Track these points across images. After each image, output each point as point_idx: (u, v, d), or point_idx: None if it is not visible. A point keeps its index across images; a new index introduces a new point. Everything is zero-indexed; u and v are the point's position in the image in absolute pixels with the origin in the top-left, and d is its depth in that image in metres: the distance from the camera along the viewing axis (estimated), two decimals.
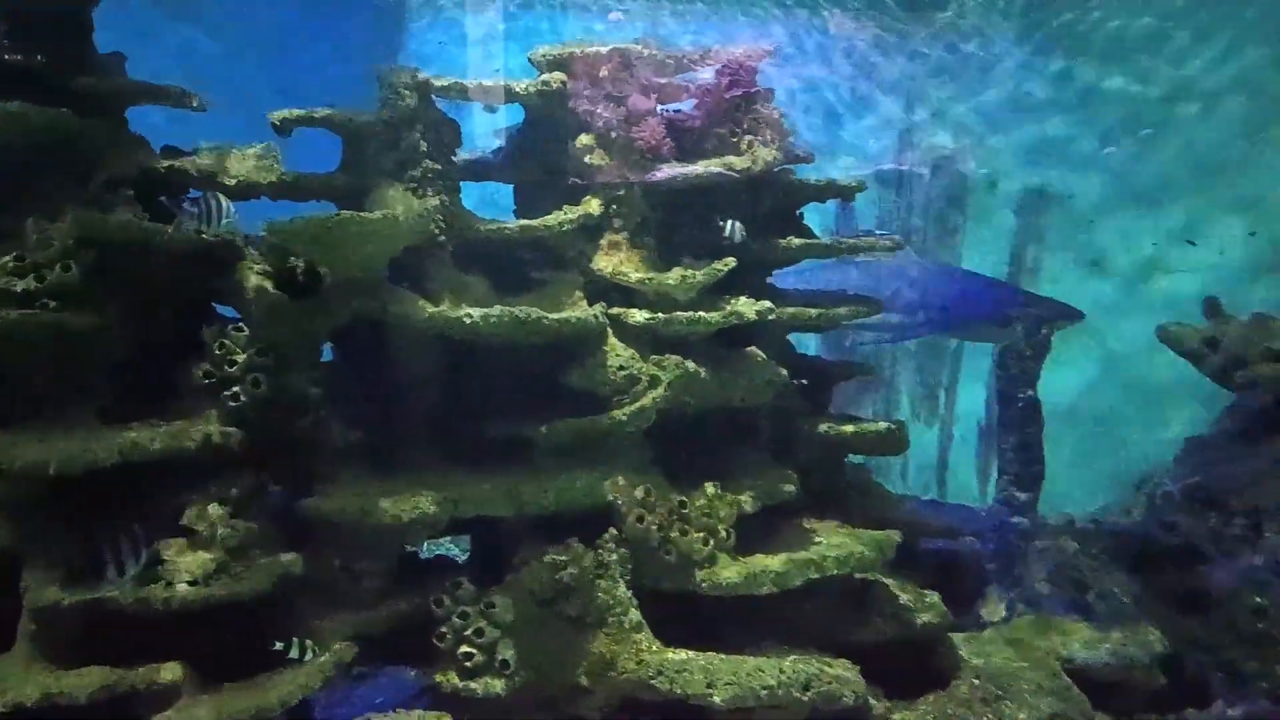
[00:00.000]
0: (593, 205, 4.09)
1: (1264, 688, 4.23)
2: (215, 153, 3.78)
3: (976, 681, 3.75)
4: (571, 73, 4.15)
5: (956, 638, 4.10)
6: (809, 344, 7.19)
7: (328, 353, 4.02)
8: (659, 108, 4.38)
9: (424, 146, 3.83)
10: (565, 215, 4.03)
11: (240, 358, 3.42)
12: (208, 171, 3.74)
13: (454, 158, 4.03)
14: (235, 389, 3.41)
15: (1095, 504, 6.50)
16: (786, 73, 9.72)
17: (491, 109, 4.51)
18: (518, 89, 4.08)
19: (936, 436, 8.49)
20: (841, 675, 3.44)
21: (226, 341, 3.45)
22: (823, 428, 4.37)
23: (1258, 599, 4.44)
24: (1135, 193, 8.34)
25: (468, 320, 3.51)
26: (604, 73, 4.21)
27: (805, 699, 3.33)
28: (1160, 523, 4.97)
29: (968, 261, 8.42)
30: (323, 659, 3.20)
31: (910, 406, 8.58)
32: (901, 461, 8.58)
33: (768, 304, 4.00)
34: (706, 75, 4.52)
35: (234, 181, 3.77)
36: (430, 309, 3.63)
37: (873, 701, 3.61)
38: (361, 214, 3.40)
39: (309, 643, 3.30)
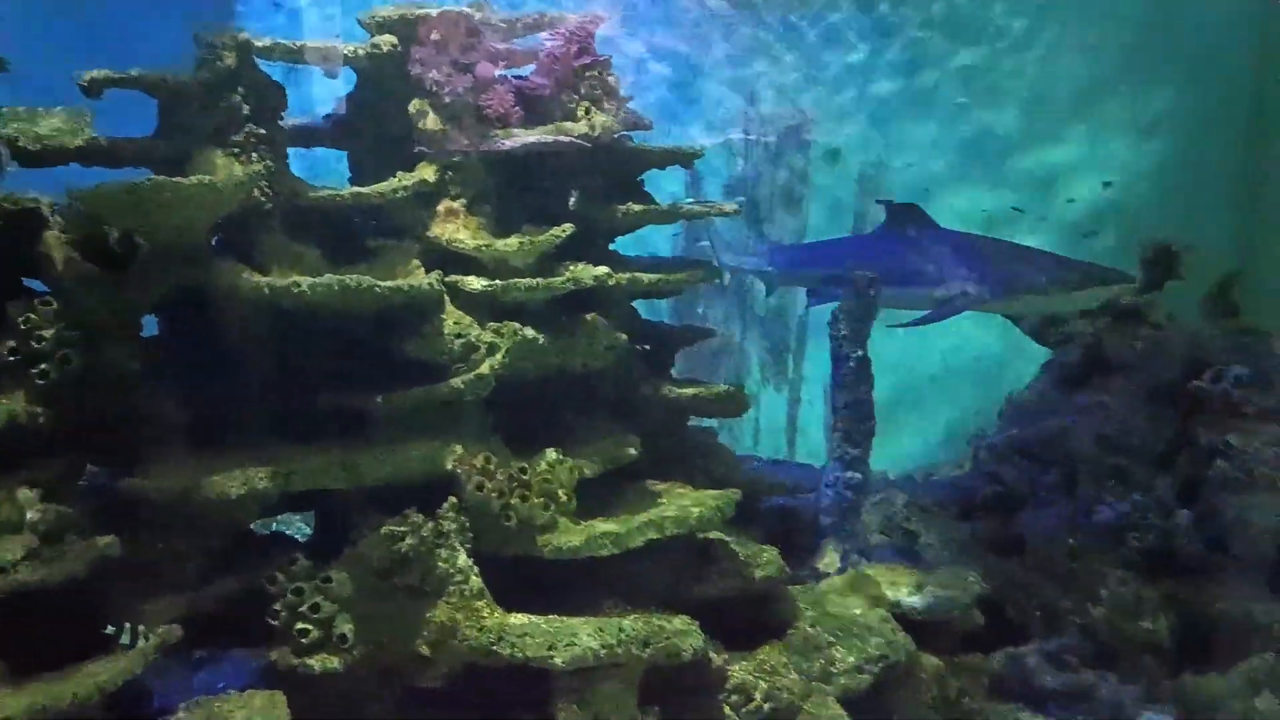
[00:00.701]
0: (428, 172, 4.04)
1: (1076, 623, 4.54)
2: (14, 117, 3.56)
3: (810, 629, 3.90)
4: (413, 38, 4.08)
5: (794, 589, 4.25)
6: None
7: (153, 326, 3.87)
8: (504, 74, 4.36)
9: (246, 110, 3.69)
10: (399, 182, 3.96)
11: (48, 333, 3.25)
12: (6, 136, 3.52)
13: (280, 122, 3.90)
14: (43, 366, 3.23)
15: (941, 458, 6.82)
16: (635, 40, 9.75)
17: (333, 75, 4.39)
18: (345, 51, 3.98)
19: (786, 399, 8.74)
20: (680, 630, 3.53)
21: (33, 316, 3.27)
22: (664, 391, 4.45)
23: (1070, 541, 4.76)
24: (970, 162, 8.71)
25: (295, 289, 3.42)
26: (446, 37, 4.15)
27: (645, 655, 3.40)
28: (984, 474, 5.27)
29: (814, 232, 8.67)
30: (145, 644, 3.09)
31: (760, 371, 8.79)
32: (754, 425, 8.80)
33: (605, 269, 4.03)
34: (551, 41, 4.51)
35: (38, 145, 3.56)
36: (257, 278, 3.52)
37: (712, 654, 3.72)
38: (176, 179, 3.26)
39: (141, 628, 3.19)
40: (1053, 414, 5.23)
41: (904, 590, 4.18)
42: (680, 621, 3.60)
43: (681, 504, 3.96)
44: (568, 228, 4.01)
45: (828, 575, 4.43)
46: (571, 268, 4.03)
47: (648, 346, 4.75)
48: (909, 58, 9.13)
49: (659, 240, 7.48)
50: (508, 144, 4.12)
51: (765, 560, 4.09)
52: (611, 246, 4.64)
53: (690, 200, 5.32)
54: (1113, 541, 4.61)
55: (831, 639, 3.87)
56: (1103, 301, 5.21)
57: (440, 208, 4.07)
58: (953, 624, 4.19)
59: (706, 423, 4.90)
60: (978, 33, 8.65)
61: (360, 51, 4.00)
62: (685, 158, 4.65)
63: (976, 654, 4.48)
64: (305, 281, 3.43)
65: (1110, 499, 4.70)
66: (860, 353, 4.61)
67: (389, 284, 3.61)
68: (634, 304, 4.71)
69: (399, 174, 4.00)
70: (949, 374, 8.42)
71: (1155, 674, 4.27)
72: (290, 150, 3.94)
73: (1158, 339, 5.11)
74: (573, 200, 4.08)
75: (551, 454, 3.80)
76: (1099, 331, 5.31)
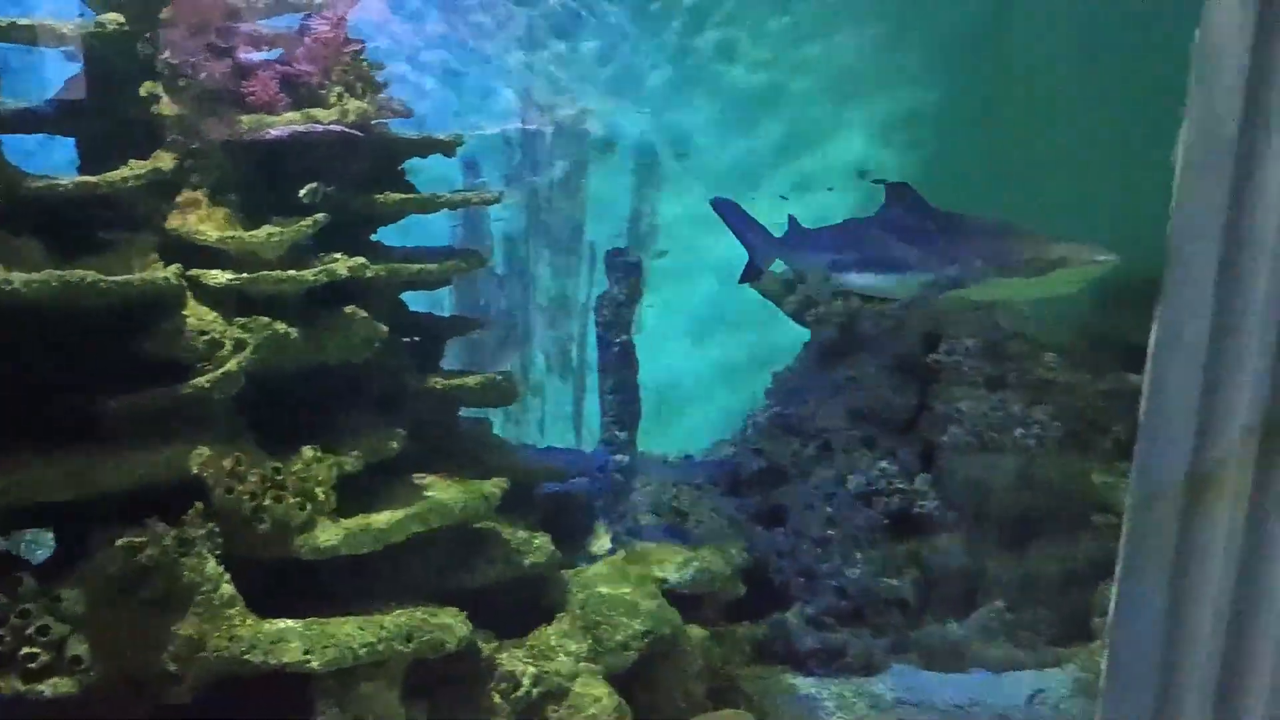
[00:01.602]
0: (164, 160, 3.83)
1: (833, 585, 4.82)
2: None
3: (580, 611, 3.97)
4: (151, 15, 3.87)
5: (567, 574, 4.32)
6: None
7: None
8: (260, 58, 4.20)
9: None
10: (131, 170, 3.74)
11: None
12: None
13: None
14: None
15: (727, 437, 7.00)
16: (409, 29, 9.56)
17: (77, 57, 4.11)
18: (64, 30, 3.72)
19: (572, 387, 8.80)
20: (445, 623, 3.52)
21: None
22: (431, 383, 4.41)
23: (828, 509, 5.04)
24: (743, 151, 9.01)
25: (7, 287, 3.17)
26: (202, 19, 3.97)
27: (408, 651, 3.37)
28: (750, 450, 5.50)
29: (592, 222, 8.76)
30: None
31: (546, 360, 8.82)
32: (540, 414, 8.82)
33: (361, 260, 3.95)
34: (316, 24, 4.39)
35: None
36: None
37: (481, 643, 3.72)
38: None
39: None
40: (811, 390, 5.52)
41: (671, 567, 4.32)
42: (447, 614, 3.59)
43: (448, 495, 3.94)
44: (320, 217, 3.91)
45: (599, 557, 4.51)
46: (325, 259, 3.93)
47: (416, 338, 4.71)
48: (685, 48, 9.35)
49: None
50: (258, 132, 3.99)
51: (536, 547, 4.14)
52: (374, 237, 4.58)
53: (458, 190, 5.25)
54: (863, 506, 4.91)
55: (600, 619, 3.95)
56: (1084, 283, 4.71)
57: (180, 198, 3.88)
58: (717, 595, 4.36)
59: (500, 415, 4.91)
60: (753, 24, 8.94)
61: (83, 30, 3.76)
62: (446, 146, 4.61)
63: (744, 622, 4.68)
64: (18, 278, 3.19)
65: (861, 467, 5.01)
66: (624, 337, 4.72)
67: (119, 279, 3.41)
68: (403, 295, 4.67)
69: (131, 162, 3.78)
70: (730, 355, 8.71)
71: (902, 627, 4.59)
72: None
73: (902, 316, 5.48)
74: (320, 189, 3.97)
75: (309, 451, 3.70)
76: (852, 311, 5.64)
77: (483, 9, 9.46)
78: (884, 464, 4.99)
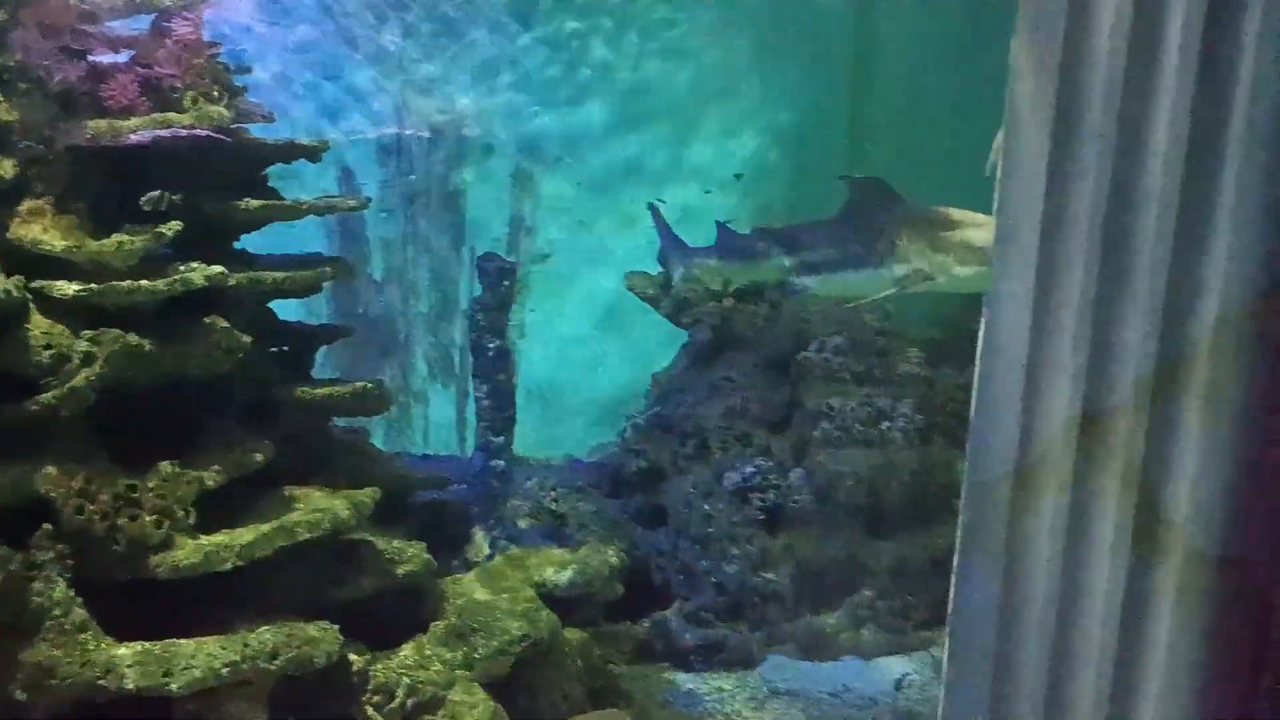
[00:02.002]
0: (4, 166, 3.65)
1: (712, 582, 4.88)
2: None
3: (455, 619, 3.94)
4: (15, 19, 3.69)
5: (443, 582, 4.27)
6: None
7: None
8: (114, 59, 4.05)
9: None
10: None
11: None
12: None
13: None
14: None
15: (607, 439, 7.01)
16: (280, 31, 9.32)
17: None
18: None
19: (454, 394, 8.71)
20: (314, 637, 3.45)
21: None
22: (299, 393, 4.31)
23: (706, 507, 5.10)
24: (618, 154, 9.04)
25: None
26: (55, 21, 3.80)
27: (273, 668, 3.29)
28: (630, 450, 5.54)
29: (472, 227, 8.68)
30: None
31: (428, 367, 8.72)
32: (424, 422, 8.72)
33: (220, 269, 3.84)
34: (177, 26, 4.24)
35: None
36: None
37: (353, 656, 3.66)
38: None
39: None
40: (689, 390, 5.59)
41: (550, 570, 4.32)
42: (315, 628, 3.52)
43: (318, 507, 3.85)
44: (174, 225, 3.78)
45: (476, 564, 4.48)
46: (182, 268, 3.80)
47: (285, 347, 4.60)
48: (564, 51, 9.33)
49: None
50: (109, 137, 3.84)
51: (410, 556, 4.08)
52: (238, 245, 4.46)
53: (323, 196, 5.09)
54: (740, 503, 4.99)
55: (476, 626, 3.92)
56: None
57: (23, 207, 3.71)
58: (596, 596, 4.38)
59: (382, 423, 4.82)
60: (621, 24, 8.96)
61: None
62: (310, 151, 4.51)
63: (625, 622, 4.71)
64: None
65: (737, 464, 5.09)
66: (499, 342, 4.69)
67: None
68: (274, 304, 4.55)
69: None
70: (611, 356, 8.75)
71: (778, 619, 4.68)
72: None
73: (774, 316, 5.60)
74: (164, 196, 3.85)
75: (166, 467, 3.58)
76: (727, 311, 5.73)
77: (360, 9, 9.29)
78: (759, 461, 5.08)
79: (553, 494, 4.90)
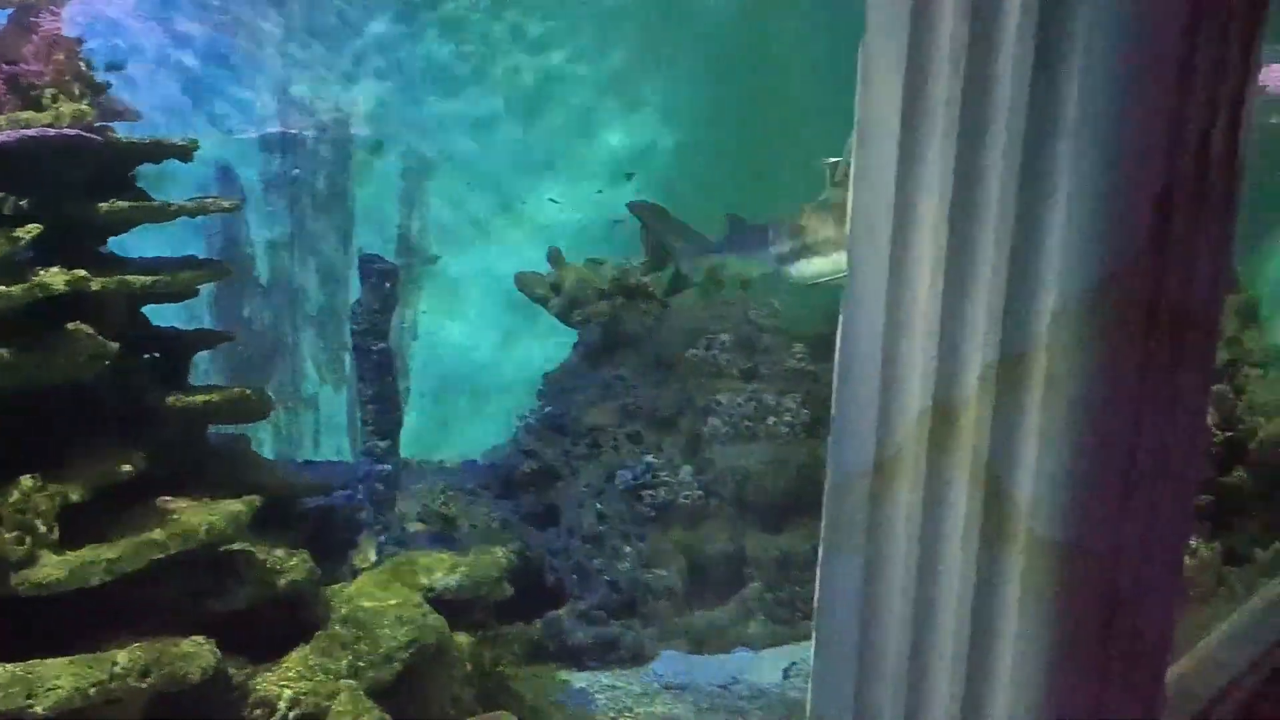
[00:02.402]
0: None
1: (605, 580, 4.90)
2: None
3: (341, 628, 3.87)
4: None
5: (329, 590, 4.19)
6: None
7: None
8: None
9: None
10: None
11: None
12: None
13: None
14: None
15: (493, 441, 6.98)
16: (158, 26, 9.01)
17: None
18: None
19: (345, 398, 8.55)
20: (188, 653, 3.35)
21: None
22: (173, 400, 4.17)
23: (598, 505, 5.12)
24: (509, 153, 8.99)
25: None
26: None
27: (144, 686, 3.18)
28: (522, 451, 5.51)
29: (361, 227, 8.53)
30: None
31: (317, 371, 8.54)
32: (315, 427, 8.55)
33: (82, 273, 3.69)
34: (44, 21, 4.06)
35: None
36: None
37: (233, 670, 3.56)
38: None
39: None
40: (580, 390, 5.59)
41: (438, 574, 4.26)
42: (190, 643, 3.41)
43: (192, 518, 3.73)
44: (33, 228, 3.62)
45: (364, 570, 4.40)
46: (42, 272, 3.64)
47: (159, 354, 4.44)
48: (456, 48, 9.22)
49: None
50: None
51: (293, 565, 3.99)
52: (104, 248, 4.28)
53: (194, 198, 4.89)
54: (632, 500, 5.02)
55: (361, 633, 3.85)
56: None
57: None
58: (485, 599, 4.34)
59: (270, 429, 4.69)
60: (513, 24, 8.92)
61: None
62: (180, 151, 4.36)
63: (518, 623, 4.68)
64: None
65: (628, 462, 5.11)
66: (382, 345, 4.62)
67: None
68: (150, 309, 4.40)
69: None
70: (507, 357, 8.69)
71: (670, 615, 4.72)
72: None
73: (663, 314, 5.63)
74: (8, 199, 3.69)
75: (27, 481, 3.43)
76: (617, 310, 5.75)
77: (242, 3, 9.02)
78: (650, 458, 5.11)
79: (442, 497, 4.85)
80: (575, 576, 4.98)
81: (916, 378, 1.87)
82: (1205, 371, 1.90)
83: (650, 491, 5.01)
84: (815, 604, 2.10)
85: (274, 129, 8.66)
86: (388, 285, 4.59)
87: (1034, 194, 1.67)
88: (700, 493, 4.95)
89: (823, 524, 2.07)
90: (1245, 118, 1.87)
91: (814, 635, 2.16)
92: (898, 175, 1.83)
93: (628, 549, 4.91)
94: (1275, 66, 7.16)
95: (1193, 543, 4.78)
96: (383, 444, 4.57)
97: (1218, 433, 5.13)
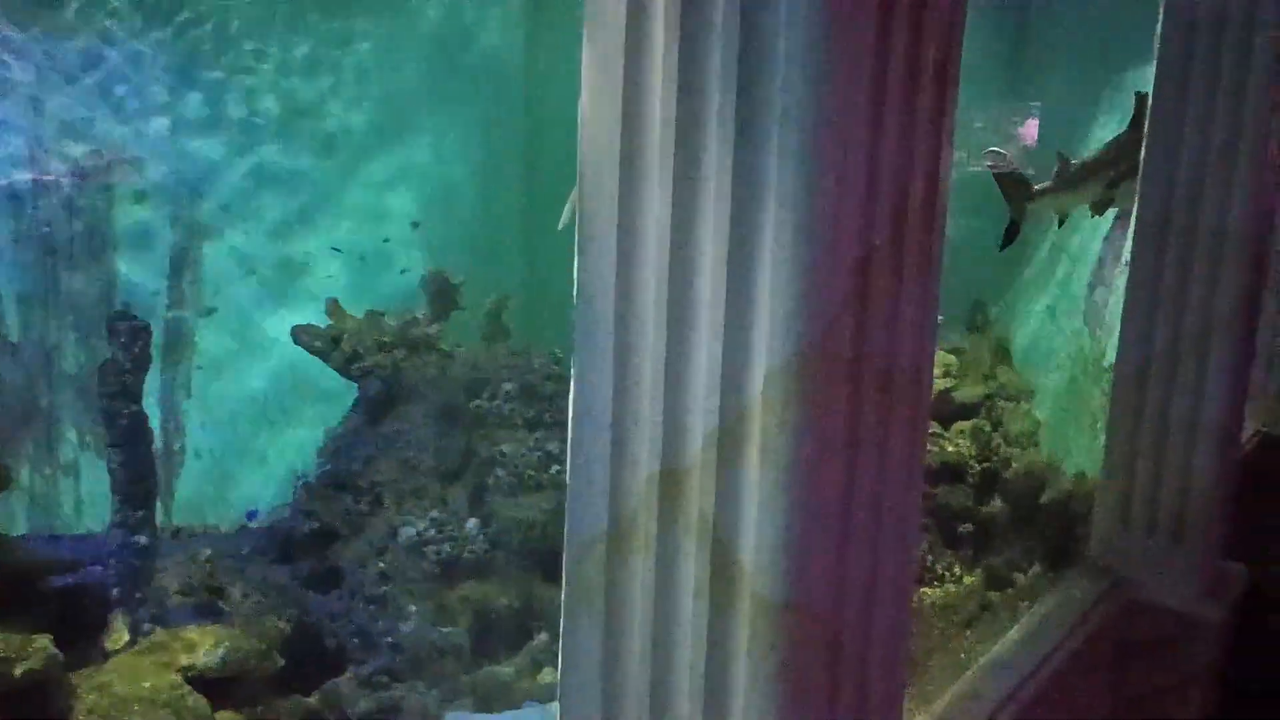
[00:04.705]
0: None
1: (388, 642, 4.73)
2: None
3: (86, 717, 3.56)
4: None
5: (76, 675, 3.86)
6: None
7: None
8: None
9: None
10: None
11: None
12: None
13: None
14: None
15: (274, 503, 6.66)
16: None
17: None
18: None
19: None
20: None
21: None
22: None
23: (381, 564, 4.95)
24: (289, 202, 8.69)
25: None
26: None
27: None
28: (301, 512, 5.27)
29: (127, 279, 8.02)
30: None
31: (78, 436, 7.92)
32: (75, 494, 7.93)
33: None
34: None
35: None
36: None
37: None
38: None
39: None
40: (361, 445, 5.41)
41: (201, 650, 4.00)
42: None
43: None
44: None
45: (116, 651, 4.08)
46: None
47: None
48: (228, 93, 8.85)
49: None
50: None
51: (34, 651, 3.67)
52: None
53: None
54: (416, 557, 4.88)
55: None
56: None
57: None
58: (253, 673, 4.10)
59: (25, 499, 4.27)
60: (275, 63, 8.62)
61: None
62: None
63: (295, 695, 4.45)
64: None
65: (413, 519, 4.98)
66: (134, 408, 4.33)
67: None
68: None
69: None
70: (290, 414, 8.34)
71: (456, 673, 4.60)
72: None
73: (446, 365, 5.54)
74: None
75: None
76: (398, 362, 5.61)
77: None
78: (434, 513, 4.99)
79: (208, 566, 4.56)
80: (357, 640, 4.78)
81: (645, 443, 1.90)
82: (917, 425, 2.01)
83: (435, 547, 4.89)
84: (559, 667, 2.08)
85: (25, 177, 8.06)
86: (139, 345, 4.31)
87: (742, 263, 1.73)
88: (486, 546, 4.87)
89: (563, 588, 2.06)
90: (942, 183, 2.01)
91: (558, 698, 2.13)
92: (618, 241, 1.86)
93: (412, 608, 4.76)
94: (1032, 122, 7.83)
95: (956, 570, 5.08)
96: (137, 514, 4.26)
97: (976, 465, 5.48)
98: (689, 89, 1.71)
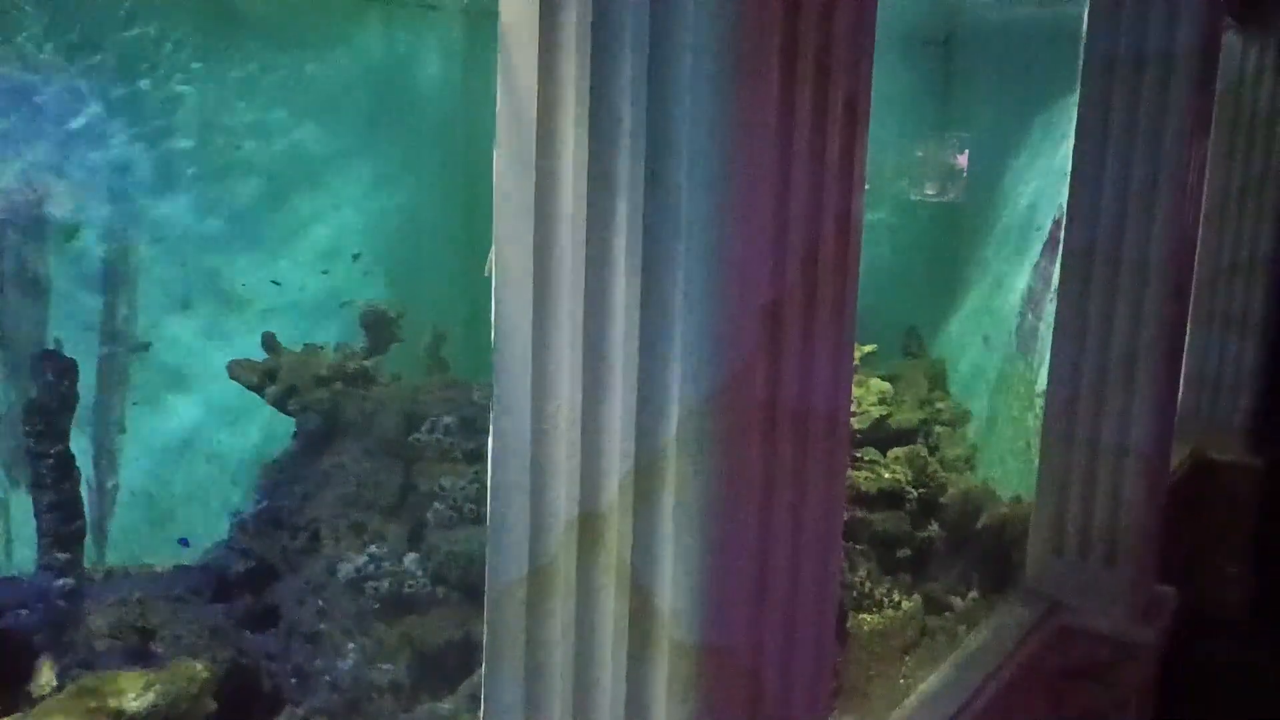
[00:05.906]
0: None
1: (326, 681, 4.65)
2: None
3: None
4: None
5: None
6: None
7: None
8: None
9: None
10: None
11: None
12: None
13: None
14: None
15: (212, 540, 6.54)
16: None
17: None
18: None
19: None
20: None
21: None
22: None
23: (319, 602, 4.87)
24: (226, 234, 8.56)
25: None
26: None
27: None
28: (237, 550, 5.18)
29: (58, 315, 7.85)
30: None
31: (6, 475, 7.72)
32: (5, 535, 7.72)
33: None
34: None
35: None
36: None
37: None
38: None
39: None
40: (299, 481, 5.34)
41: (130, 695, 3.90)
42: None
43: None
44: None
45: (43, 698, 3.97)
46: None
47: None
48: (160, 121, 8.73)
49: None
50: None
51: None
52: None
53: None
54: (355, 594, 4.81)
55: None
56: None
57: None
58: (185, 716, 4.01)
59: None
60: (212, 94, 8.52)
61: None
62: None
63: None
64: None
65: (351, 554, 4.91)
66: (60, 448, 4.24)
67: None
68: None
69: None
70: (228, 450, 8.20)
71: (395, 710, 4.54)
72: None
73: (384, 398, 5.50)
74: None
75: None
76: (337, 395, 5.56)
77: None
78: (373, 548, 4.93)
79: (140, 607, 4.46)
80: (295, 680, 4.70)
81: (563, 488, 1.90)
82: (834, 465, 2.03)
83: (374, 583, 4.83)
84: (481, 712, 2.07)
85: None
86: (65, 383, 4.22)
87: (654, 309, 1.75)
88: (425, 581, 4.82)
89: (484, 633, 2.05)
90: (855, 223, 2.04)
91: None
92: (534, 282, 1.87)
93: (351, 645, 4.69)
94: (963, 154, 8.04)
95: (895, 596, 5.12)
96: (62, 556, 4.16)
97: (913, 490, 5.54)
98: (600, 138, 1.73)
